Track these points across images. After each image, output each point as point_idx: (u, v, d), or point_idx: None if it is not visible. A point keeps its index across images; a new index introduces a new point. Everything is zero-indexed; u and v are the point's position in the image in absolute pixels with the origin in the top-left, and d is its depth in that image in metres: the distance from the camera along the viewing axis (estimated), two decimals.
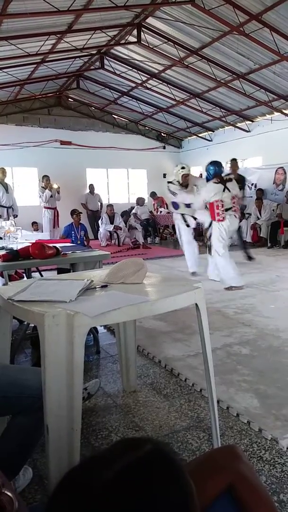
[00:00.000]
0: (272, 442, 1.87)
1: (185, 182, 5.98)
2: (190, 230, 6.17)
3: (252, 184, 10.50)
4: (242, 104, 9.82)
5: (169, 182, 6.24)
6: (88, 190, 11.64)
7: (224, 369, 2.62)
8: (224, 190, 5.06)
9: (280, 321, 3.60)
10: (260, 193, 9.82)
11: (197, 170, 12.76)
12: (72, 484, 0.55)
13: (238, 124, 10.89)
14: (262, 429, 1.96)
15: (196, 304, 1.67)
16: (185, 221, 6.13)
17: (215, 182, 5.13)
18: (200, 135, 12.42)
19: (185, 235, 6.14)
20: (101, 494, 0.51)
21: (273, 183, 10.03)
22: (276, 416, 2.07)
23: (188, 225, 6.15)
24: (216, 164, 5.28)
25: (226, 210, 5.04)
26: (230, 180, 5.23)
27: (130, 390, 2.40)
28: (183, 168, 6.07)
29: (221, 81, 8.66)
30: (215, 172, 5.22)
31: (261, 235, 9.21)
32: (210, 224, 5.27)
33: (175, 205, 6.21)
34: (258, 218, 9.31)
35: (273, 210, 9.33)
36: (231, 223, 5.10)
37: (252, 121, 10.57)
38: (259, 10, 6.16)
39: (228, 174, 5.77)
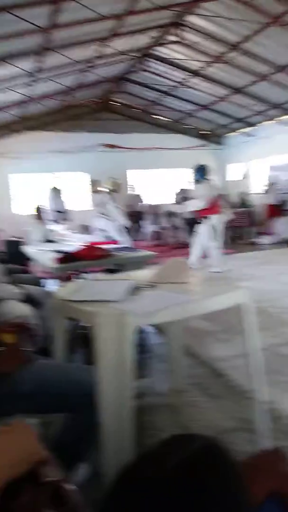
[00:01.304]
0: None
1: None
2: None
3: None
4: (285, 97, 9.52)
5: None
6: (130, 191, 11.77)
7: (270, 370, 2.54)
8: None
9: None
10: None
11: (239, 166, 12.55)
12: (130, 479, 0.56)
13: (281, 118, 10.56)
14: None
15: (241, 304, 1.66)
16: None
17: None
18: (241, 130, 12.18)
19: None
20: (160, 488, 0.52)
21: None
22: None
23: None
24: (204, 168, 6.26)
25: None
26: None
27: (177, 389, 2.41)
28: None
29: (263, 74, 8.46)
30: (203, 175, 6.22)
31: None
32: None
33: None
34: None
35: None
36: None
37: None
38: None
39: None
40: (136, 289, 1.67)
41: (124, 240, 6.43)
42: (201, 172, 6.27)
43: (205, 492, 0.53)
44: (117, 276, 2.22)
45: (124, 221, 6.86)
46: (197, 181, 6.26)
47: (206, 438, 0.62)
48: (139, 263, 2.68)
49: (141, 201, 11.69)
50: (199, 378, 2.58)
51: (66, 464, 1.42)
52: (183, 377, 2.48)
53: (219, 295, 1.59)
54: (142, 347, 3.02)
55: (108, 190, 7.03)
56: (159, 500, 0.52)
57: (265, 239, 9.46)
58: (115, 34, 7.04)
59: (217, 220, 5.97)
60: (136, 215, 11.16)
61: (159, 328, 3.30)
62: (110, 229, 6.80)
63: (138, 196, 11.76)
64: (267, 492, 0.79)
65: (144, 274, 2.02)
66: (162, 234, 9.74)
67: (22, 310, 2.12)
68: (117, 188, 6.88)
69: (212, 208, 5.92)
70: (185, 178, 12.51)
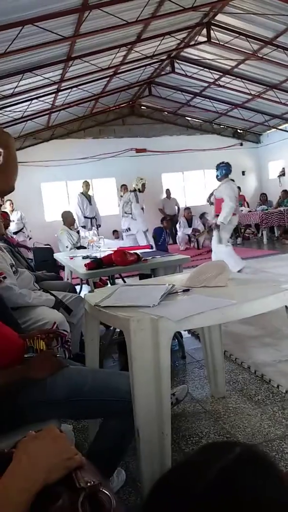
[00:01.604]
0: None
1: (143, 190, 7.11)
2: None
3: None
4: None
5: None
6: (164, 195, 11.73)
7: None
8: None
9: None
10: None
11: (279, 164, 12.22)
12: (170, 487, 0.55)
13: None
14: None
15: (286, 306, 1.57)
16: None
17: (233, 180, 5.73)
18: (280, 127, 11.86)
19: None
20: (201, 497, 0.51)
21: None
22: None
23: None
24: (229, 165, 5.96)
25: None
26: None
27: (219, 396, 2.34)
28: (141, 179, 7.21)
29: None
30: (227, 172, 5.91)
31: None
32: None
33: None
34: None
35: None
36: None
37: None
38: None
39: None
40: (171, 294, 1.62)
41: (144, 242, 6.51)
42: (223, 169, 5.98)
43: (246, 502, 0.51)
44: (151, 280, 2.18)
45: (142, 223, 6.85)
46: (219, 179, 6.03)
47: (246, 445, 0.60)
48: (174, 267, 2.62)
49: (177, 205, 11.63)
50: (242, 384, 2.48)
51: (102, 470, 1.40)
52: (224, 383, 2.40)
53: (260, 298, 1.51)
54: (180, 353, 2.97)
55: (134, 189, 7.14)
56: (204, 507, 0.50)
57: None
58: (141, 39, 7.07)
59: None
60: (171, 219, 11.13)
61: (196, 333, 3.23)
62: (133, 229, 6.89)
63: (174, 199, 11.71)
64: None
65: (179, 278, 1.97)
66: (197, 237, 9.61)
67: (55, 316, 2.13)
68: (141, 187, 6.93)
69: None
70: None
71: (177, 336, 2.98)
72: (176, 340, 3.00)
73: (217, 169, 6.06)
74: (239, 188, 11.84)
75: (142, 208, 7.13)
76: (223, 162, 6.04)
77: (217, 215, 5.91)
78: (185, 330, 3.38)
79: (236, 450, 0.57)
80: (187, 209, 10.21)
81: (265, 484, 0.54)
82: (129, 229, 7.07)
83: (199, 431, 2.03)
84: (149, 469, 1.33)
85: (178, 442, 1.94)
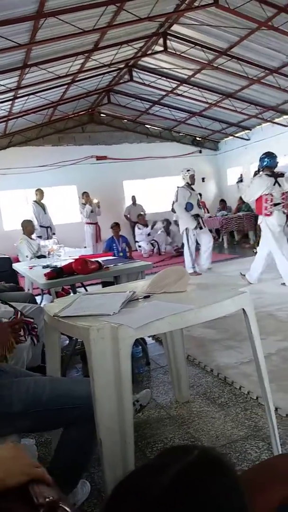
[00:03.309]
0: None
1: (193, 183, 6.73)
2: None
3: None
4: (278, 99, 9.57)
5: (178, 187, 6.74)
6: (130, 202, 11.78)
7: (280, 375, 2.51)
8: (274, 184, 4.93)
9: None
10: None
11: (237, 171, 12.57)
12: (129, 491, 0.55)
13: (276, 120, 10.60)
14: None
15: (243, 309, 1.61)
16: (199, 223, 6.56)
17: (268, 175, 4.99)
18: (236, 135, 12.22)
19: (192, 238, 6.57)
20: (158, 500, 0.51)
21: None
22: None
23: (201, 227, 6.61)
24: (271, 156, 5.12)
25: (275, 205, 4.93)
26: (282, 175, 5.09)
27: (183, 400, 2.36)
28: (188, 170, 6.76)
29: (254, 78, 8.49)
30: (268, 164, 5.07)
31: None
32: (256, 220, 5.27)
33: (189, 206, 6.48)
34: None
35: None
36: (279, 218, 4.96)
37: None
38: (286, 1, 5.99)
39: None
40: (132, 301, 1.62)
41: (94, 249, 6.53)
42: (270, 159, 5.11)
43: (203, 503, 0.53)
44: (113, 288, 2.17)
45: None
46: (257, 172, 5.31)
47: (205, 448, 0.62)
48: (136, 274, 2.63)
49: (143, 211, 11.67)
50: (206, 388, 2.52)
51: (65, 482, 1.38)
52: (188, 388, 2.42)
53: (219, 301, 1.54)
54: (143, 359, 2.97)
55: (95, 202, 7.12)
56: (161, 510, 0.51)
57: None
58: (98, 48, 7.10)
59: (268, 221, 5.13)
60: (134, 225, 11.16)
61: (160, 339, 3.25)
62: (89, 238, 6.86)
63: (140, 206, 11.75)
64: (280, 499, 0.78)
65: (141, 285, 1.98)
66: (160, 243, 9.70)
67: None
68: (190, 179, 6.76)
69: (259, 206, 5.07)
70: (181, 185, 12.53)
71: (141, 342, 2.99)
72: (140, 346, 3.00)
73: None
74: (200, 194, 12.13)
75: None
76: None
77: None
78: (149, 336, 3.39)
79: (195, 453, 0.58)
80: (140, 215, 10.29)
81: (221, 486, 0.55)
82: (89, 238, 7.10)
83: (164, 437, 2.04)
84: (112, 479, 1.31)
85: (143, 449, 1.94)
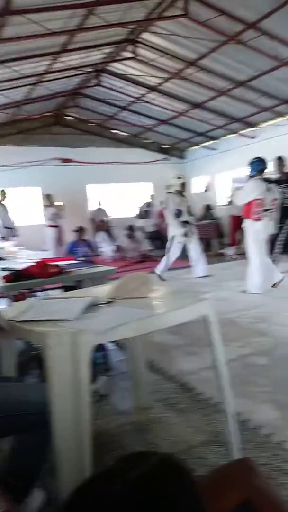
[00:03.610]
0: None
1: (183, 190, 6.77)
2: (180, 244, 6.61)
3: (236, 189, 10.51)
4: (244, 111, 9.82)
5: (168, 193, 6.78)
6: (94, 206, 11.71)
7: (240, 381, 2.54)
8: (267, 190, 4.95)
9: None
10: None
11: (202, 180, 12.79)
12: (85, 499, 0.55)
13: (242, 131, 10.88)
14: (284, 441, 1.88)
15: (205, 315, 1.62)
16: (186, 229, 6.54)
17: (262, 180, 5.00)
18: (203, 144, 12.45)
19: (176, 247, 6.58)
20: (116, 506, 0.51)
21: None
22: None
23: (186, 235, 6.57)
24: (262, 161, 5.17)
25: (265, 210, 4.93)
26: (273, 182, 5.16)
27: (143, 407, 2.34)
28: (179, 178, 6.83)
29: (222, 90, 8.69)
30: (263, 168, 5.12)
31: None
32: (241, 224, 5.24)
33: (179, 212, 6.41)
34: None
35: None
36: (266, 225, 4.99)
37: (256, 128, 10.55)
38: (255, 18, 6.17)
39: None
40: (93, 306, 1.60)
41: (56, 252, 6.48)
42: (262, 164, 5.19)
43: (161, 509, 0.53)
44: (75, 293, 2.13)
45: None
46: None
47: (163, 454, 0.62)
48: (99, 279, 2.60)
49: (106, 216, 11.64)
50: (166, 394, 2.52)
51: (17, 492, 1.32)
52: (148, 394, 2.41)
53: (181, 308, 1.55)
54: (104, 365, 2.93)
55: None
56: None
57: (231, 250, 9.61)
58: (67, 50, 7.04)
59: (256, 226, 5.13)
60: (99, 229, 11.11)
61: (121, 345, 3.23)
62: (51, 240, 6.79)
63: (103, 210, 11.71)
64: (236, 502, 0.80)
65: (103, 290, 1.95)
66: (124, 248, 9.69)
67: None
68: (180, 187, 6.78)
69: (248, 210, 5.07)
70: (147, 192, 12.65)
71: (102, 348, 2.95)
72: (101, 352, 2.96)
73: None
74: (163, 202, 12.24)
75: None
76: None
77: None
78: (110, 342, 3.36)
79: (153, 459, 0.59)
80: (102, 221, 10.25)
81: (179, 492, 0.55)
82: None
83: (123, 443, 2.01)
84: (69, 488, 1.27)
85: (100, 457, 1.89)
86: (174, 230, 6.65)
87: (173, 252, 6.60)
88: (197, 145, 12.64)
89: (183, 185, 6.75)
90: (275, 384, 2.49)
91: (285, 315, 4.02)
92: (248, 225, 5.05)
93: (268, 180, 5.03)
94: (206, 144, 12.37)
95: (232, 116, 10.21)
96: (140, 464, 0.57)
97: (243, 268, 6.74)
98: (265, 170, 5.19)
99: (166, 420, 2.19)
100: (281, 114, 9.33)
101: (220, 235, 10.80)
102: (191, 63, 7.87)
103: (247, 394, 2.37)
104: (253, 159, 5.22)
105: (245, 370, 2.73)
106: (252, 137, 10.75)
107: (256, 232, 4.94)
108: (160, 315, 1.45)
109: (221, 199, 11.82)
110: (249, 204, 5.00)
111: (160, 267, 6.61)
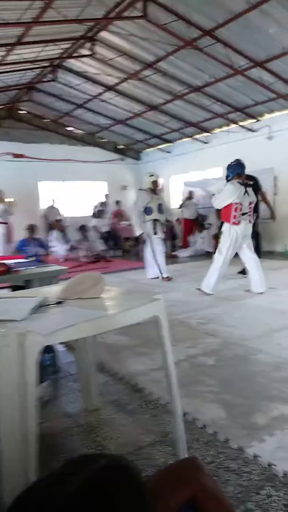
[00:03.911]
0: (239, 451, 1.84)
1: (155, 187, 6.58)
2: (159, 239, 6.48)
3: (213, 195, 10.73)
4: (199, 116, 10.05)
5: (139, 190, 6.70)
6: (46, 203, 11.44)
7: (189, 381, 2.59)
8: (244, 194, 4.95)
9: (245, 330, 3.63)
10: None
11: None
12: (29, 503, 0.53)
13: (196, 136, 11.12)
14: (229, 439, 1.93)
15: (156, 316, 1.63)
16: (154, 228, 6.40)
17: (240, 183, 4.97)
18: (159, 147, 12.57)
19: (156, 244, 6.42)
20: (61, 510, 0.50)
21: None
22: (242, 425, 2.06)
23: (155, 233, 6.41)
24: (241, 165, 5.14)
25: (243, 214, 4.95)
26: (250, 185, 5.13)
27: (92, 408, 2.31)
28: (151, 175, 6.58)
29: (178, 94, 8.82)
30: (241, 172, 5.09)
31: None
32: (221, 227, 5.22)
33: (148, 210, 6.34)
34: (220, 228, 9.50)
35: None
36: (245, 228, 5.02)
37: (210, 133, 10.81)
38: (211, 26, 6.33)
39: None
40: (42, 307, 1.56)
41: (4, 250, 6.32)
42: (241, 168, 5.17)
43: (111, 508, 0.53)
44: (24, 292, 2.07)
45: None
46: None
47: (112, 456, 0.62)
48: (49, 279, 2.54)
49: (59, 214, 11.40)
50: (116, 395, 2.51)
51: None
52: (98, 395, 2.39)
53: (132, 308, 1.55)
54: (52, 367, 2.88)
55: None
56: None
57: (184, 252, 9.78)
58: (22, 42, 6.85)
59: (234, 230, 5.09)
60: (51, 227, 10.87)
61: (70, 346, 3.18)
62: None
63: (57, 208, 11.47)
64: (183, 500, 0.81)
65: (54, 290, 1.91)
66: (77, 248, 9.55)
67: None
68: (151, 184, 6.52)
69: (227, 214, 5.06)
70: (102, 191, 12.58)
71: (51, 349, 2.88)
72: (49, 354, 2.89)
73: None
74: (118, 201, 12.23)
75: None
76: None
77: None
78: (59, 343, 3.29)
79: (101, 461, 0.58)
80: (59, 220, 10.06)
81: (126, 494, 0.55)
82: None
83: (71, 446, 1.98)
84: (13, 493, 1.22)
85: (47, 462, 1.85)
86: (136, 229, 6.53)
87: (155, 248, 6.44)
88: (153, 147, 12.76)
89: (155, 182, 6.59)
90: (221, 384, 2.55)
91: (233, 316, 4.14)
92: (226, 229, 5.07)
93: (245, 184, 5.02)
94: (161, 146, 12.51)
95: (187, 120, 10.41)
96: (87, 467, 0.56)
97: (195, 270, 6.93)
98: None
99: (115, 422, 2.18)
100: (233, 121, 9.63)
101: (173, 237, 10.95)
102: (149, 65, 7.94)
103: (195, 394, 2.41)
104: (232, 162, 5.22)
105: (193, 370, 2.78)
106: (206, 142, 11.02)
107: (234, 237, 4.98)
108: (111, 316, 1.44)
109: (174, 201, 12.01)
110: (227, 207, 5.00)
111: (152, 272, 6.48)
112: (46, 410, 2.30)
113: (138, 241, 10.41)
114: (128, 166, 13.63)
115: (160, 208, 6.55)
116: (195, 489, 0.82)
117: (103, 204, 11.59)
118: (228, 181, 5.15)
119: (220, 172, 10.84)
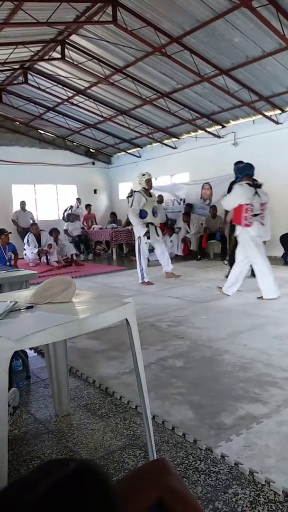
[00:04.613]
0: (207, 452, 1.89)
1: (149, 187, 6.50)
2: (148, 244, 6.50)
3: (181, 199, 10.89)
4: (167, 122, 10.17)
5: (135, 191, 6.51)
6: (18, 207, 11.25)
7: (159, 384, 2.62)
8: (255, 195, 4.86)
9: (212, 331, 3.71)
10: (188, 208, 10.18)
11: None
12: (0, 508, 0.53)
13: (165, 141, 11.24)
14: (197, 440, 1.97)
15: (126, 319, 1.66)
16: (148, 231, 6.36)
17: (249, 184, 4.88)
18: (129, 151, 12.63)
19: (146, 248, 6.43)
20: None
21: (200, 198, 10.44)
22: (210, 425, 2.10)
23: (149, 237, 6.40)
24: (250, 166, 5.04)
25: (255, 215, 4.85)
26: (260, 186, 5.03)
27: (63, 414, 2.31)
28: (143, 175, 6.53)
29: (146, 99, 8.90)
30: (249, 173, 4.99)
31: (191, 248, 9.50)
32: (232, 230, 5.07)
33: (143, 214, 6.33)
34: (188, 232, 9.62)
35: (201, 224, 9.68)
36: (258, 229, 4.90)
37: (178, 138, 10.96)
38: (179, 33, 6.44)
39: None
40: (12, 312, 1.55)
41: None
42: (250, 169, 5.05)
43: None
44: None
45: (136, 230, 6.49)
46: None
47: (82, 460, 0.64)
48: (19, 283, 2.52)
49: (32, 218, 11.22)
50: (87, 399, 2.51)
51: None
52: (69, 401, 2.38)
53: (103, 312, 1.56)
54: (23, 373, 2.85)
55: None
56: None
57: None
58: None
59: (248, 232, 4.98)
60: (22, 231, 10.69)
61: (42, 351, 3.15)
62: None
63: (29, 212, 11.27)
64: (151, 501, 0.82)
65: (24, 295, 1.90)
66: (49, 252, 9.42)
67: None
68: (145, 184, 6.41)
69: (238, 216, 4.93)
70: (73, 195, 12.50)
71: (21, 355, 2.85)
72: (20, 359, 2.86)
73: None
74: (89, 205, 12.17)
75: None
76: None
77: None
78: (30, 349, 3.26)
79: (71, 465, 0.58)
80: (34, 224, 9.90)
81: (94, 498, 0.56)
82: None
83: (42, 453, 1.96)
84: None
85: (18, 468, 1.84)
86: (137, 231, 6.44)
87: (143, 254, 6.39)
88: (123, 151, 12.80)
89: (149, 181, 6.45)
90: (190, 385, 2.60)
91: (201, 318, 4.22)
92: (241, 231, 4.96)
93: (255, 185, 4.94)
94: (131, 151, 12.58)
95: (156, 125, 10.51)
96: (57, 471, 0.57)
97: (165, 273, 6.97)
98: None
99: (86, 427, 2.19)
100: (201, 127, 9.81)
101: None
102: (118, 70, 7.98)
103: (165, 396, 2.44)
104: (240, 163, 5.12)
105: (163, 373, 2.82)
106: (174, 147, 11.16)
107: (252, 237, 4.88)
108: (82, 320, 1.45)
109: None
110: (238, 209, 4.90)
111: (139, 275, 6.43)
112: (17, 416, 2.28)
113: (109, 245, 10.43)
114: (99, 170, 13.61)
115: (154, 211, 6.54)
116: (162, 490, 0.83)
117: (72, 207, 11.52)
118: (237, 182, 5.09)
119: (187, 177, 11.01)
